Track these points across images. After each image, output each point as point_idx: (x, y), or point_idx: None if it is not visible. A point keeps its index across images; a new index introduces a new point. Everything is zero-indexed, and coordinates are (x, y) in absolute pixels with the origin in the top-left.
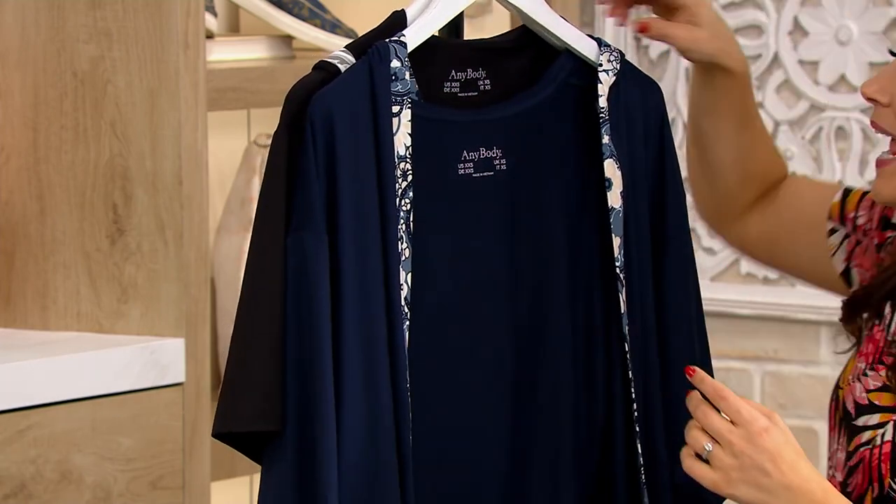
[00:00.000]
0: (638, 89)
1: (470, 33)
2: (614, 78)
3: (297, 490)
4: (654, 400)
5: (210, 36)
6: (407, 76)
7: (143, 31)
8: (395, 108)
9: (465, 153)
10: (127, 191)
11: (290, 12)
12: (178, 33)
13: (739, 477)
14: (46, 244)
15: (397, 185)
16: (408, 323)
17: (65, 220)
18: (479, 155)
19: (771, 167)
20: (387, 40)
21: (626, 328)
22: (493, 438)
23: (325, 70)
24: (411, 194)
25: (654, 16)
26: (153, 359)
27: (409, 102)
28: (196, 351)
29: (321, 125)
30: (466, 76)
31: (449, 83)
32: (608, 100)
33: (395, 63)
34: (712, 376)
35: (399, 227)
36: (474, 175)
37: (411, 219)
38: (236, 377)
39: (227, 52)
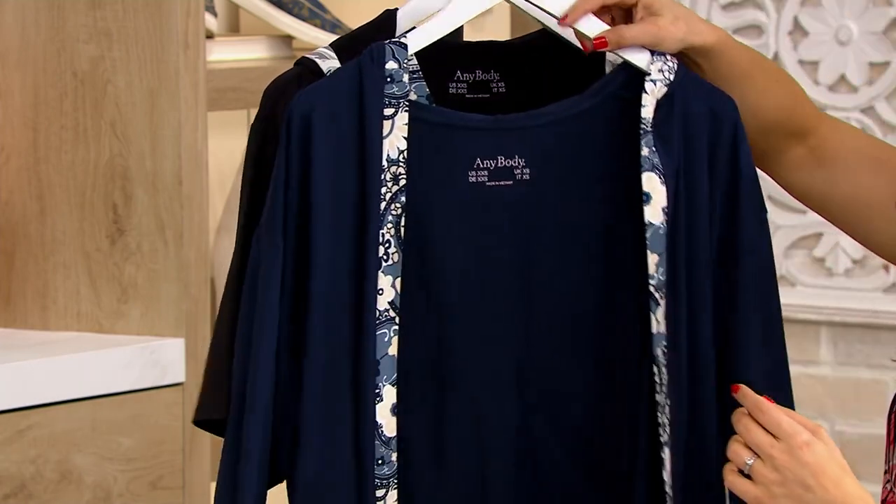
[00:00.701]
0: (703, 101)
1: (469, 34)
2: (665, 89)
3: (228, 475)
4: (708, 417)
5: (210, 36)
6: (405, 78)
7: (143, 31)
8: (389, 111)
9: (478, 161)
10: (127, 191)
11: (290, 12)
12: (178, 33)
13: (782, 492)
14: (46, 244)
15: (385, 188)
16: (395, 327)
17: (65, 220)
18: (497, 163)
19: (788, 116)
20: (386, 42)
21: (660, 349)
22: (498, 444)
23: (302, 66)
24: (403, 199)
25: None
26: (153, 359)
27: (407, 105)
28: (196, 351)
29: (298, 124)
30: (475, 77)
31: (455, 84)
32: (656, 111)
33: (391, 65)
34: (791, 396)
35: (384, 230)
36: (488, 183)
37: (402, 223)
38: (210, 368)
39: (227, 52)
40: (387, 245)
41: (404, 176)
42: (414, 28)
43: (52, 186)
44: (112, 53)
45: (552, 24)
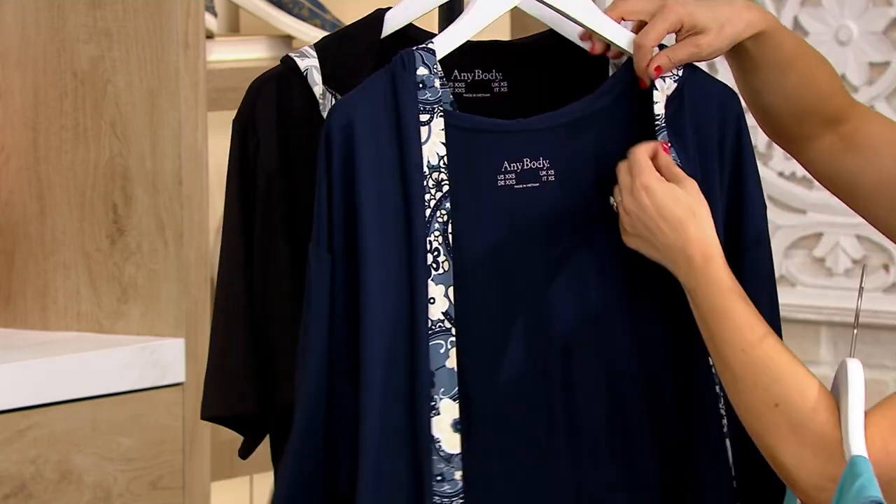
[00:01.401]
0: (709, 97)
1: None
2: (675, 84)
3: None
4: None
5: (210, 36)
6: (437, 84)
7: (143, 31)
8: (425, 117)
9: (505, 164)
10: (127, 191)
11: (290, 12)
12: (178, 33)
13: (632, 231)
14: (46, 244)
15: (429, 195)
16: (452, 339)
17: (65, 220)
18: (523, 166)
19: (825, 102)
20: (414, 48)
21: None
22: (546, 449)
23: (284, 64)
24: (448, 205)
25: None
26: (153, 359)
27: (441, 111)
28: (196, 351)
29: (339, 136)
30: (474, 77)
31: (451, 83)
32: (667, 107)
33: (422, 71)
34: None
35: (431, 238)
36: (516, 186)
37: (449, 231)
38: (212, 368)
39: (227, 52)
40: (436, 253)
41: (447, 182)
42: (403, 25)
43: (52, 186)
44: (112, 53)
45: (561, 27)
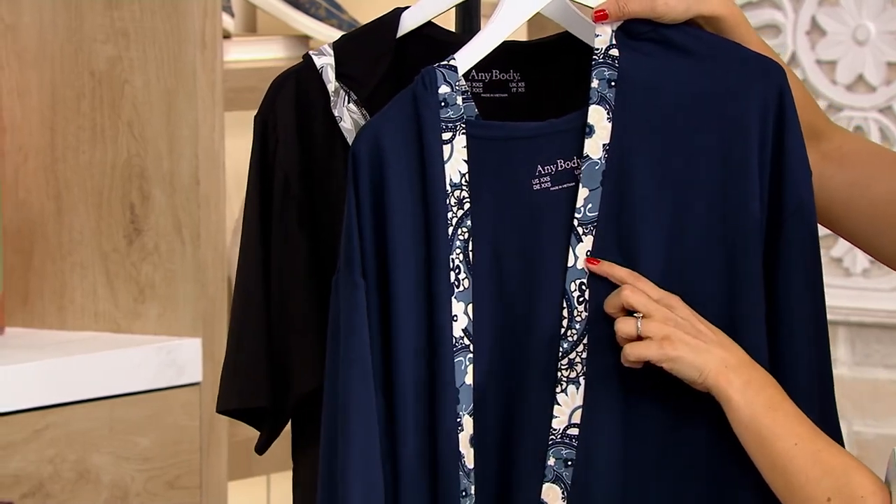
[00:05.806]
0: (728, 75)
1: None
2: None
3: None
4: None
5: (227, 36)
6: (459, 101)
7: (161, 31)
8: (447, 136)
9: (539, 167)
10: (144, 191)
11: (306, 12)
12: (196, 33)
13: (679, 334)
14: (64, 244)
15: (451, 213)
16: (470, 356)
17: (82, 219)
18: (557, 167)
19: (799, 112)
20: (435, 66)
21: (574, 284)
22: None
23: (303, 60)
24: (469, 223)
25: None
26: (170, 358)
27: (464, 127)
28: (213, 350)
29: (366, 158)
30: (491, 77)
31: (469, 83)
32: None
33: (444, 89)
34: (832, 391)
35: (454, 255)
36: (552, 189)
37: (470, 248)
38: (227, 362)
39: (243, 52)
40: (457, 271)
41: (468, 200)
42: (419, 24)
43: (70, 186)
44: (129, 53)
45: (574, 28)
